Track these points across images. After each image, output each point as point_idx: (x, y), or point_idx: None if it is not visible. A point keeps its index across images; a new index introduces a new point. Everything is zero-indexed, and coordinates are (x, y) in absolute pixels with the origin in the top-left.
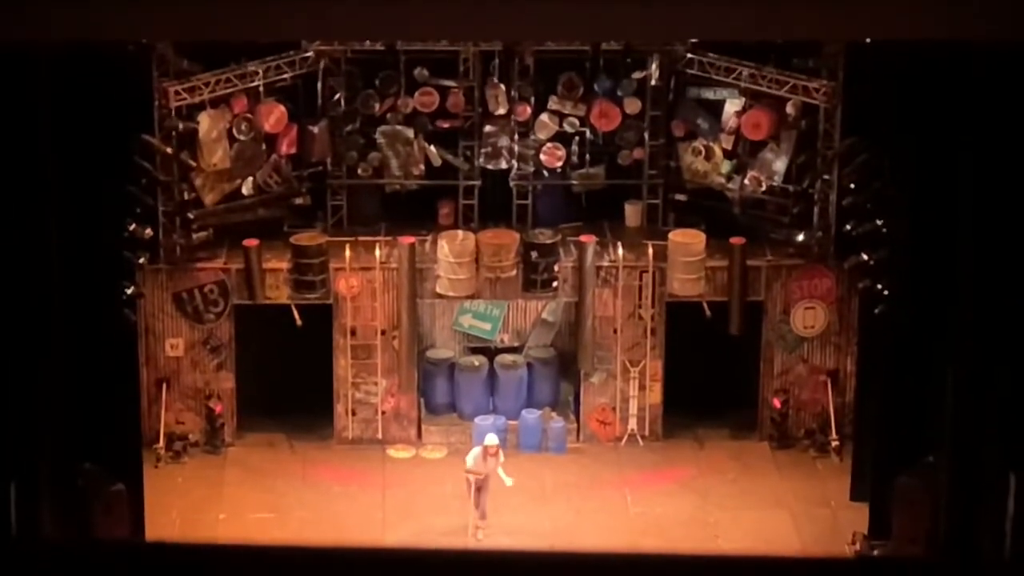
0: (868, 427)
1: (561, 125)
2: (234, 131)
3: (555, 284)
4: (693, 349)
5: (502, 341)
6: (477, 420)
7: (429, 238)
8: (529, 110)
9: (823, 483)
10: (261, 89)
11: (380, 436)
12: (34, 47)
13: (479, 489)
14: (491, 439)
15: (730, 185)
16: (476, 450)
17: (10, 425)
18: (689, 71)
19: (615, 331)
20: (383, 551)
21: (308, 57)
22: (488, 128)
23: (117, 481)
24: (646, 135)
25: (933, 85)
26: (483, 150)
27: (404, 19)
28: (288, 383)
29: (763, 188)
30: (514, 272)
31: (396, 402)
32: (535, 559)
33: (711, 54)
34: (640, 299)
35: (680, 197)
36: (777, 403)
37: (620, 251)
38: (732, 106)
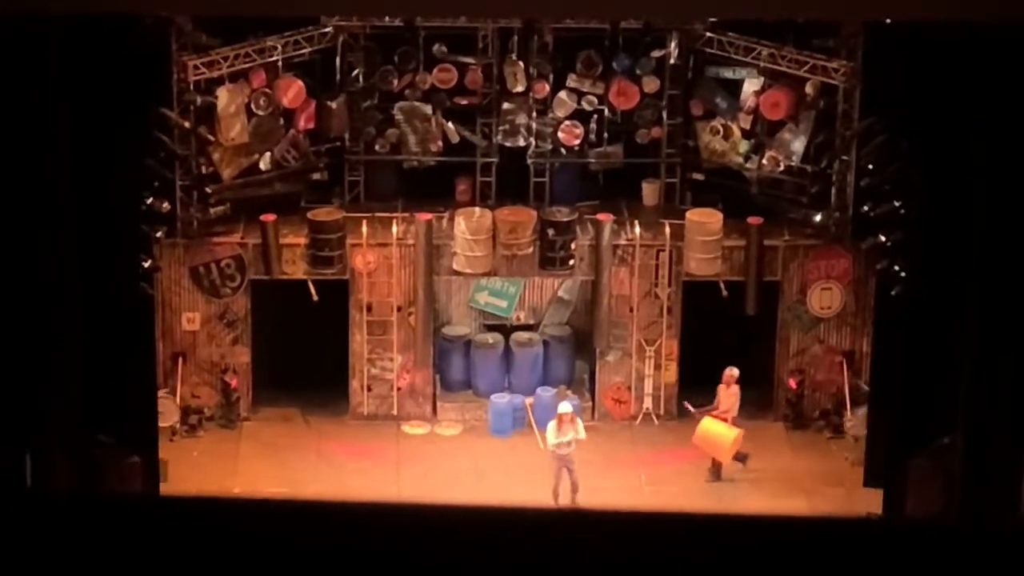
0: (882, 409)
1: (579, 103)
2: (252, 106)
3: (572, 262)
4: (709, 329)
5: (518, 319)
6: (492, 397)
7: (446, 215)
8: (547, 88)
9: (837, 464)
10: (280, 64)
11: (395, 412)
12: (53, 20)
13: (567, 467)
14: (565, 407)
15: (748, 165)
16: (551, 424)
17: (26, 397)
18: (708, 50)
19: (631, 310)
20: (394, 506)
21: (327, 32)
22: (506, 105)
23: (132, 454)
24: (664, 114)
25: (952, 66)
26: (501, 127)
27: None
28: (304, 358)
29: (781, 168)
30: (531, 250)
31: (411, 378)
32: (545, 515)
33: (730, 33)
34: (657, 278)
35: (698, 176)
36: (793, 383)
37: (637, 230)
38: (751, 86)
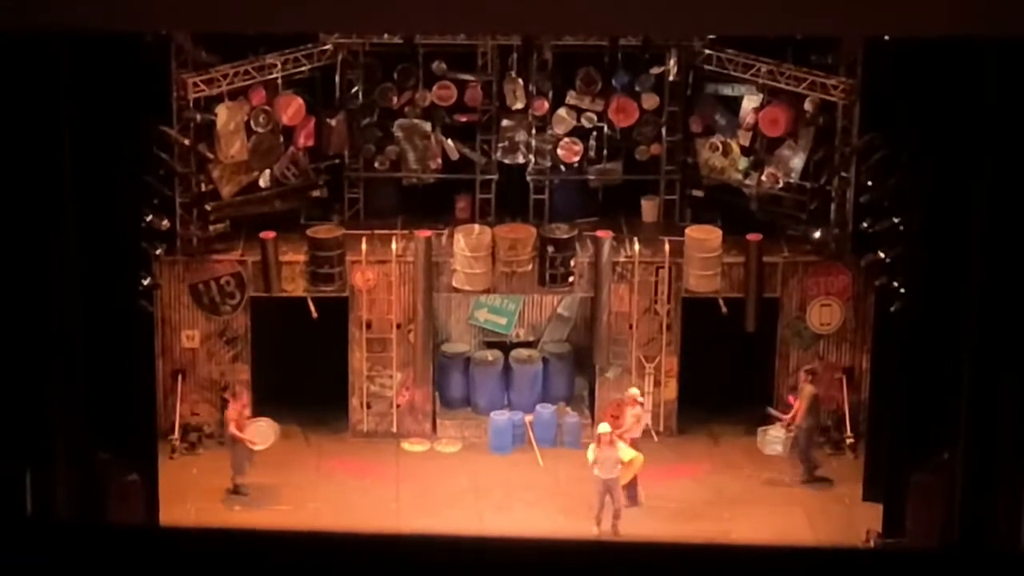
0: (882, 425)
1: (579, 120)
2: (252, 123)
3: (571, 279)
4: (709, 345)
5: (517, 335)
6: (492, 414)
7: (445, 232)
8: (547, 105)
9: (838, 480)
10: (279, 81)
11: (395, 429)
12: (53, 37)
13: (611, 492)
14: (604, 428)
15: (747, 181)
16: (591, 448)
17: (26, 414)
18: (707, 67)
19: (631, 327)
20: (395, 537)
21: (326, 50)
22: (505, 122)
23: (132, 471)
24: (663, 131)
25: (951, 82)
26: (500, 144)
27: (422, 12)
28: (303, 375)
29: (780, 185)
30: (530, 267)
31: (411, 395)
32: (544, 547)
33: (729, 50)
34: (656, 295)
35: (697, 193)
36: (792, 400)
37: (636, 247)
38: (750, 102)
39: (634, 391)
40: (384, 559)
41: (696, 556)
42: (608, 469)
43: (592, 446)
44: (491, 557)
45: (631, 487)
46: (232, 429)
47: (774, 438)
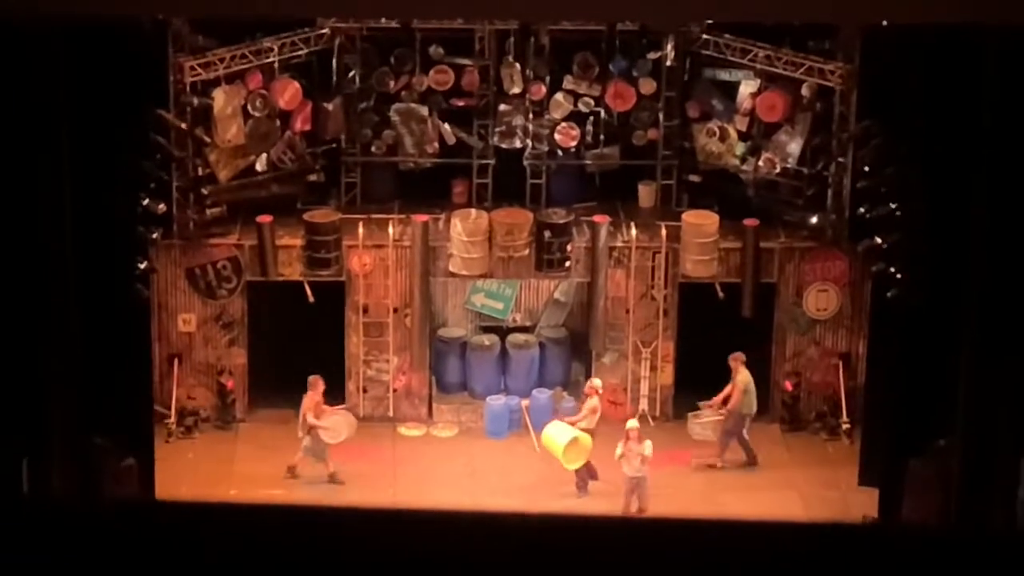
0: (878, 411)
1: (576, 105)
2: (249, 107)
3: (568, 264)
4: (705, 330)
5: (514, 320)
6: (488, 399)
7: (442, 216)
8: (544, 89)
9: (834, 466)
10: (276, 65)
11: (391, 414)
12: (50, 22)
13: (633, 489)
14: (632, 423)
15: (744, 167)
16: (620, 446)
17: (22, 399)
18: (705, 52)
19: (627, 312)
20: (391, 512)
21: (323, 34)
22: (503, 107)
23: (128, 456)
24: (661, 116)
25: (949, 69)
26: (497, 129)
27: None
28: (300, 360)
29: (777, 170)
30: (527, 251)
31: (407, 380)
32: (538, 522)
33: (727, 35)
34: (653, 280)
35: (694, 178)
36: (789, 386)
37: (633, 232)
38: (747, 88)
39: (596, 382)
40: (380, 535)
41: (691, 532)
42: (634, 466)
43: (620, 448)
44: (485, 533)
45: (587, 471)
46: (310, 419)
47: (705, 423)
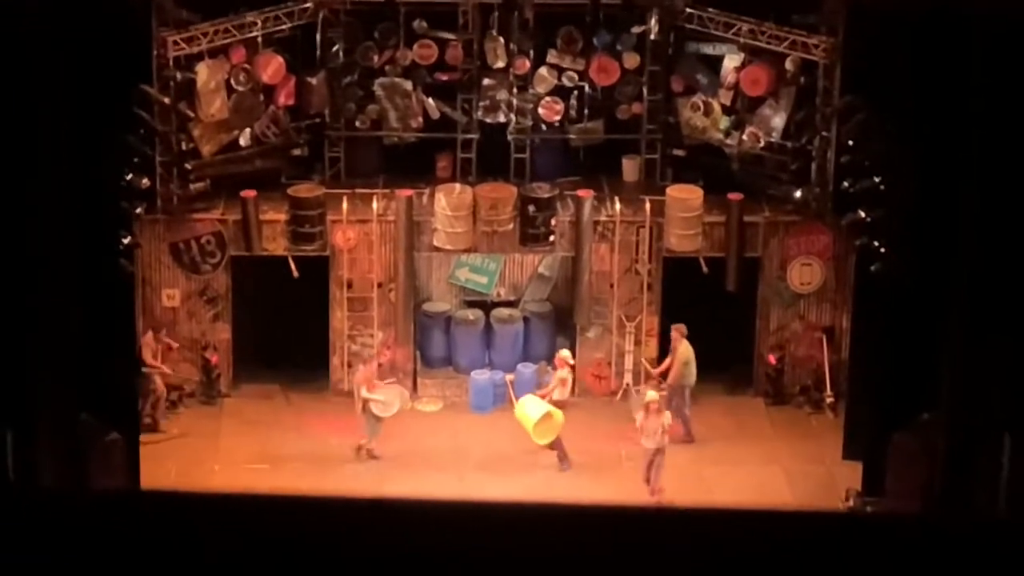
0: (861, 385)
1: (560, 79)
2: (232, 82)
3: (552, 238)
4: (689, 305)
5: (498, 295)
6: (473, 374)
7: (426, 191)
8: (528, 64)
9: (817, 440)
10: (260, 40)
11: None
12: None
13: (657, 460)
14: (652, 395)
15: (728, 141)
16: (639, 416)
17: (7, 375)
18: (688, 26)
19: (612, 286)
20: (379, 501)
21: (307, 8)
22: (487, 81)
23: (113, 431)
24: (645, 90)
25: (933, 43)
26: (481, 103)
27: None
28: (284, 335)
29: (761, 144)
30: (511, 226)
31: (392, 355)
32: (527, 510)
33: (711, 9)
34: (637, 254)
35: (678, 152)
36: (772, 359)
37: (617, 206)
38: (731, 62)
39: (565, 353)
40: (370, 524)
41: (680, 520)
42: (653, 439)
43: (639, 418)
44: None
45: (557, 447)
46: (364, 392)
47: (644, 398)
